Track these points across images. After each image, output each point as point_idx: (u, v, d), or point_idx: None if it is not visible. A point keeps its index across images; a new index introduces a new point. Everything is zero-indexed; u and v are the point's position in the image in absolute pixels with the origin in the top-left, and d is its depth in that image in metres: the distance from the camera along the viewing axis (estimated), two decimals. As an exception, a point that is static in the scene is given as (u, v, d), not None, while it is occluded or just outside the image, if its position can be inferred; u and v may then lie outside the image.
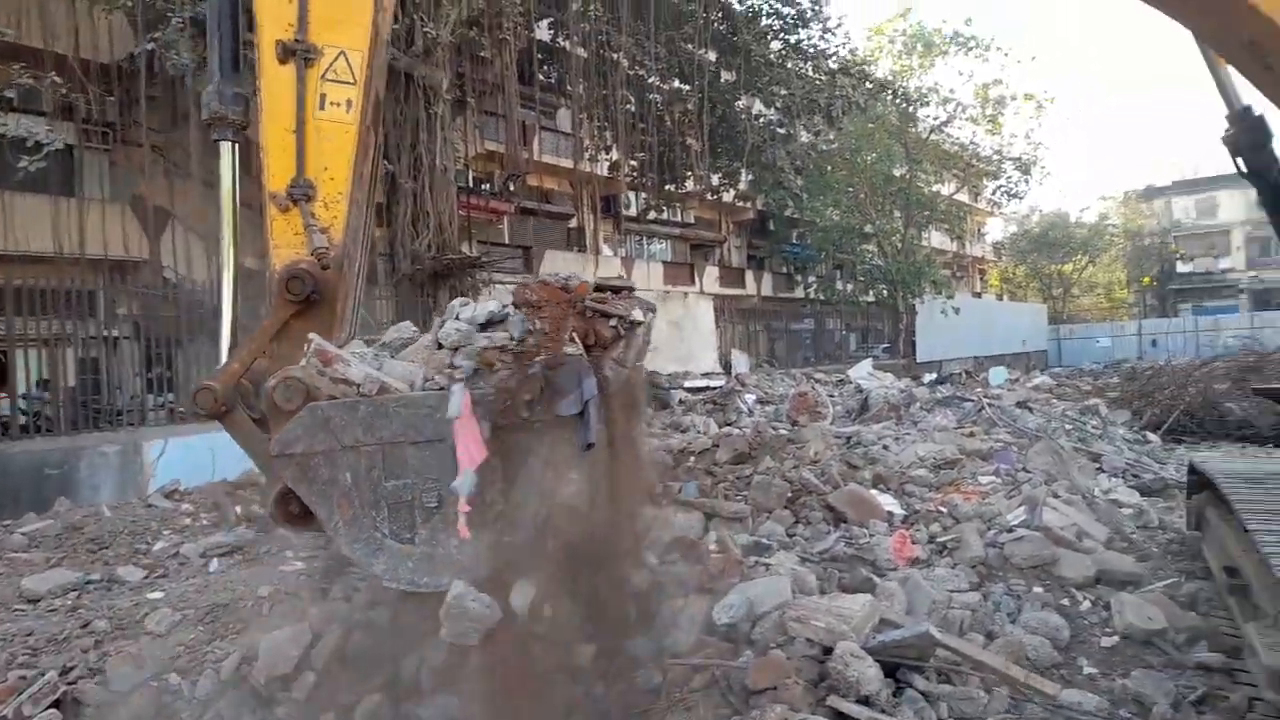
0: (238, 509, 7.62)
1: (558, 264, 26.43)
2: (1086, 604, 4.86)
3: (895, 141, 30.55)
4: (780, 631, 4.00)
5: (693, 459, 7.30)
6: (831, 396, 14.87)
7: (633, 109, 24.31)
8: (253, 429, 3.44)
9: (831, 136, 31.25)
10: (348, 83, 3.57)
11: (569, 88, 22.82)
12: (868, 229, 32.03)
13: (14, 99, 12.74)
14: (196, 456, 10.71)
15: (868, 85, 30.93)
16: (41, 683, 4.19)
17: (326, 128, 3.53)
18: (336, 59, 3.57)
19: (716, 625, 4.20)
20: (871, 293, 32.84)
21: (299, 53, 3.48)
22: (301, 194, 3.45)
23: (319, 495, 3.16)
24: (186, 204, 16.30)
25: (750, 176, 29.15)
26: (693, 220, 34.91)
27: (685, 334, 27.24)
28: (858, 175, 30.80)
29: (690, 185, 28.45)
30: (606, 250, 29.78)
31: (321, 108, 3.53)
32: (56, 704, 4.13)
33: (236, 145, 3.68)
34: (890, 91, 31.95)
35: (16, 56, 12.46)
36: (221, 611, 5.08)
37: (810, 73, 28.31)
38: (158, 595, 5.35)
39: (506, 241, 26.35)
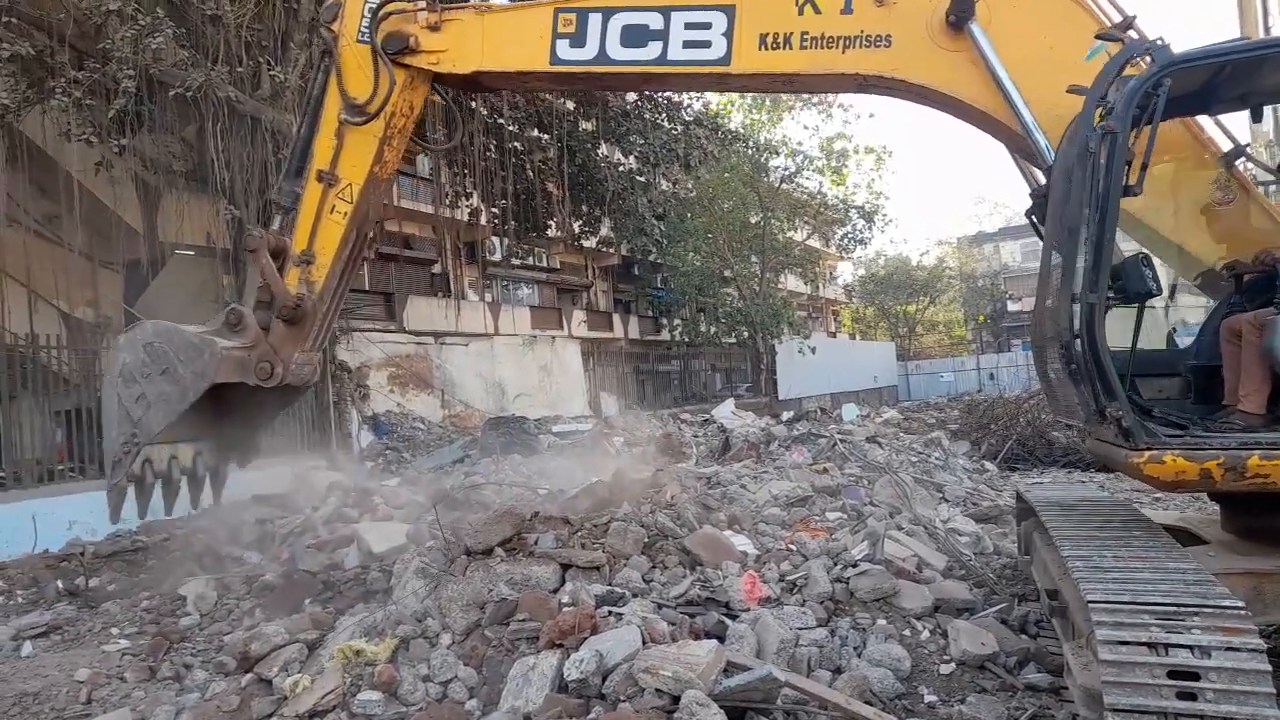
0: (59, 583, 6.99)
1: (421, 309, 25.93)
2: (926, 633, 5.12)
3: (749, 190, 31.87)
4: (631, 684, 4.00)
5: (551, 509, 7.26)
6: (696, 437, 15.16)
7: (493, 156, 24.35)
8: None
9: (690, 185, 32.30)
10: (347, 201, 5.77)
11: (427, 134, 22.61)
12: (727, 273, 33.13)
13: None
14: (15, 525, 9.79)
15: (721, 136, 32.21)
16: None
17: (328, 224, 5.74)
18: (345, 186, 5.75)
19: (567, 681, 4.16)
20: (733, 334, 33.87)
21: (326, 178, 5.71)
22: (305, 259, 5.71)
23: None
24: (7, 250, 15.14)
25: (612, 223, 29.64)
26: (558, 265, 35.09)
27: (554, 378, 27.22)
28: (716, 222, 31.89)
29: (553, 231, 28.62)
30: (472, 295, 29.48)
31: (330, 212, 5.73)
32: None
33: (266, 239, 5.73)
34: (742, 142, 33.39)
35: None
36: (31, 700, 4.62)
37: (666, 123, 29.22)
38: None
39: (367, 288, 25.65)
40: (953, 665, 4.73)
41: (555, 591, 5.33)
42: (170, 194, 18.24)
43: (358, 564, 6.51)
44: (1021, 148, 4.94)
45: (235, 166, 16.75)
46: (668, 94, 28.69)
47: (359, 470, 16.77)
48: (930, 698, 4.42)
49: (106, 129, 13.95)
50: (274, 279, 5.58)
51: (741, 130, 34.38)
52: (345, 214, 5.74)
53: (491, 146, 24.20)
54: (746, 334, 33.23)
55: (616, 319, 36.97)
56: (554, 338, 30.53)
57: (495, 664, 4.60)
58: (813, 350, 31.23)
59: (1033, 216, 4.98)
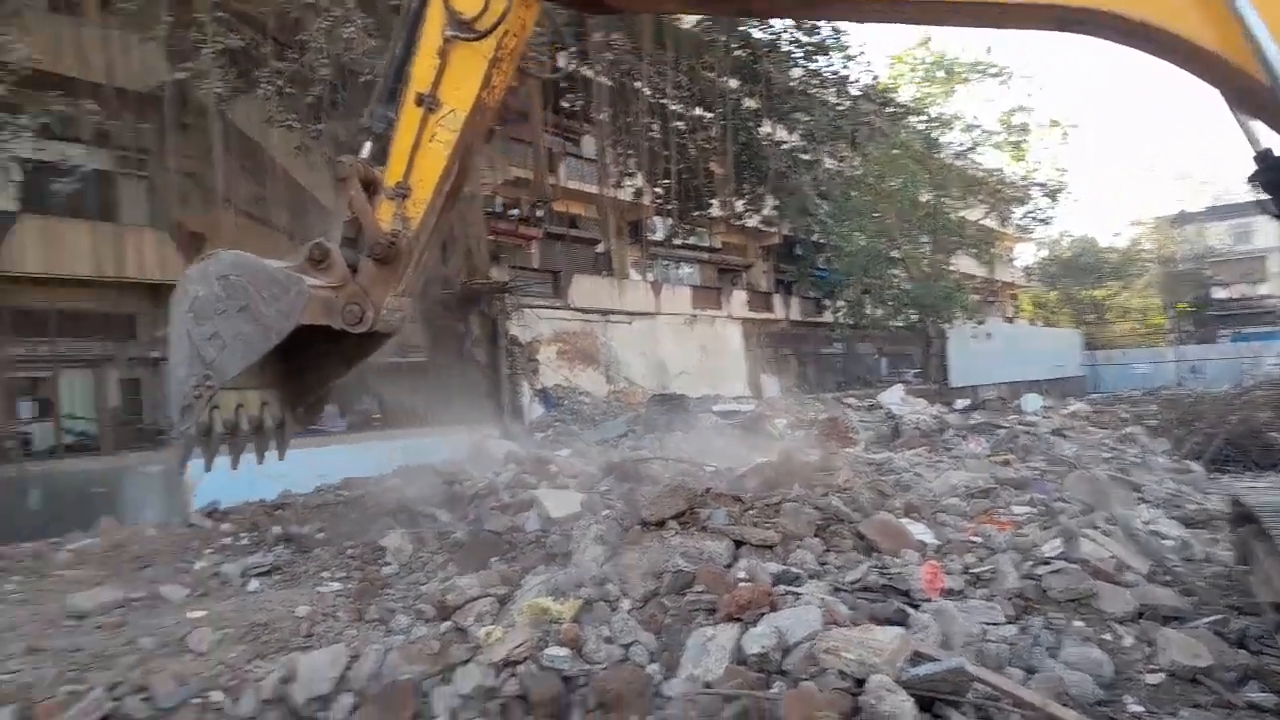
0: (275, 529, 7.73)
1: (586, 287, 26.64)
2: (1129, 639, 4.80)
3: (920, 167, 30.55)
4: (811, 663, 4.00)
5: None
6: (862, 422, 14.82)
7: (656, 135, 24.55)
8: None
9: (856, 162, 31.32)
10: (450, 129, 5.09)
11: (592, 115, 23.12)
12: (895, 254, 31.97)
13: (50, 125, 13.11)
14: (239, 477, 10.89)
15: (890, 111, 30.98)
16: (89, 699, 4.29)
17: (428, 153, 5.07)
18: (449, 113, 5.08)
19: (746, 655, 4.20)
20: (900, 317, 32.69)
21: (427, 102, 5.02)
22: (400, 192, 5.04)
23: None
24: (221, 229, 16.69)
25: (775, 202, 29.25)
26: (719, 245, 35.04)
27: (714, 357, 27.30)
28: (883, 200, 30.80)
29: (715, 210, 28.58)
30: (635, 274, 29.96)
31: (430, 140, 5.07)
32: (105, 718, 4.22)
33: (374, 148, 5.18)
34: (914, 116, 31.99)
35: (52, 85, 12.82)
36: (261, 630, 5.16)
37: (833, 99, 28.42)
38: (200, 614, 5.45)
39: (536, 266, 26.62)
40: (1161, 675, 4.41)
41: (729, 567, 5.38)
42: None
43: (537, 528, 6.82)
44: (1256, 98, 4.04)
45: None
46: (836, 69, 27.94)
47: (530, 441, 17.50)
48: (1136, 707, 4.14)
49: (305, 115, 15.10)
50: (365, 212, 4.96)
51: (912, 104, 32.98)
52: (447, 143, 5.08)
53: (655, 126, 24.43)
54: (915, 317, 32.00)
55: (777, 300, 36.54)
56: (714, 318, 30.58)
57: (674, 632, 4.71)
58: (988, 335, 29.68)
59: (1258, 182, 4.41)
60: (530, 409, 20.95)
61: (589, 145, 26.48)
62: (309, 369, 5.55)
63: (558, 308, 25.13)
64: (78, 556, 7.44)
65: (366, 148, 5.13)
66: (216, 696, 4.49)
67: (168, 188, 15.82)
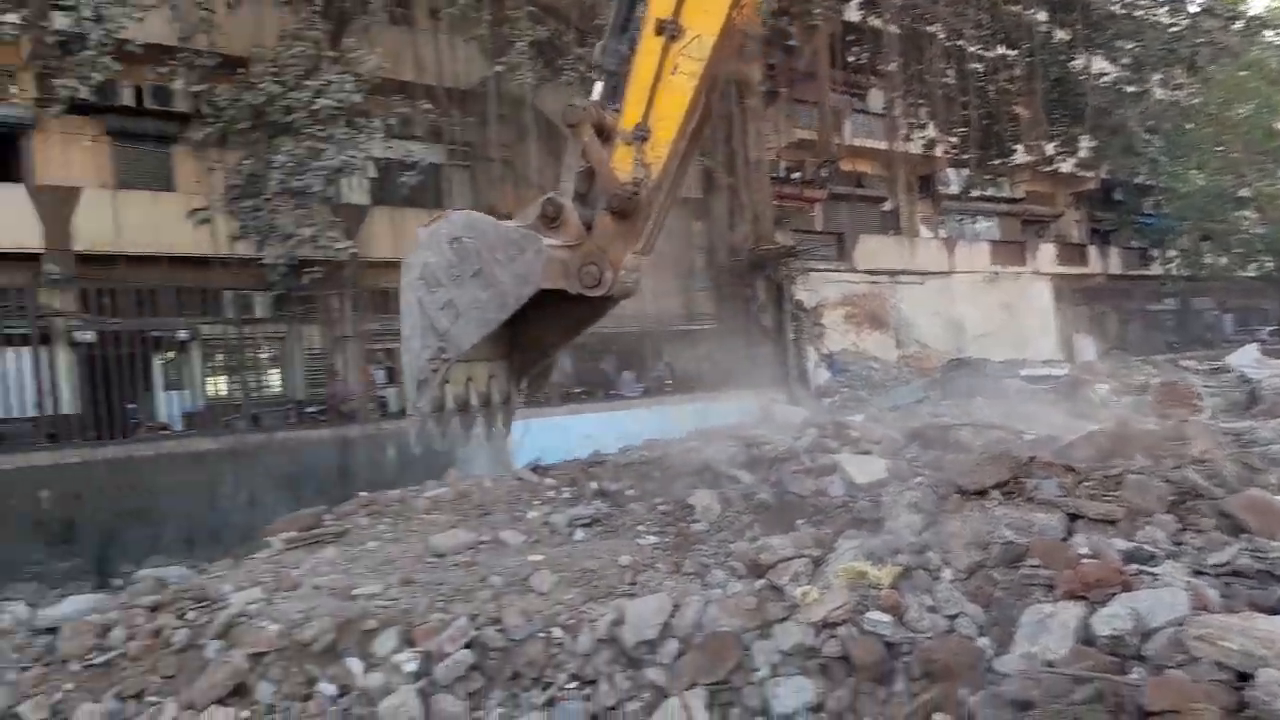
0: (592, 485, 8.34)
1: (872, 248, 25.70)
2: None
3: (1275, 89, 25.75)
4: (1178, 650, 3.57)
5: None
6: (1206, 387, 12.94)
7: (951, 81, 22.91)
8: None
9: (1194, 89, 27.06)
10: (695, 59, 4.56)
11: (880, 67, 22.06)
12: (1244, 193, 27.35)
13: (392, 126, 14.96)
14: (555, 436, 11.95)
15: (1239, 26, 26.31)
16: (456, 627, 4.91)
17: (670, 88, 4.58)
18: (693, 40, 4.55)
19: (1095, 636, 3.85)
20: (1251, 266, 27.99)
21: (669, 30, 4.53)
22: (639, 135, 4.57)
23: None
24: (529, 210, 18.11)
25: (1093, 143, 26.13)
26: (1022, 195, 32.09)
27: (1019, 317, 25.23)
28: (1229, 131, 26.42)
29: (1019, 157, 26.18)
30: (925, 232, 28.40)
31: (673, 73, 4.57)
32: (469, 645, 4.81)
33: (589, 111, 4.73)
34: (1269, 30, 26.95)
35: (394, 90, 14.58)
36: (591, 576, 5.59)
37: (1165, 19, 24.70)
38: (538, 557, 6.01)
39: (819, 229, 26.13)
40: None
41: (1065, 540, 4.95)
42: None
43: (842, 492, 6.73)
44: None
45: (704, 116, 18.05)
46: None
47: (817, 406, 17.33)
48: None
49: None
50: (601, 161, 4.50)
51: (1268, 15, 27.77)
52: (692, 75, 4.51)
53: (950, 72, 22.80)
54: (1270, 265, 27.23)
55: (1093, 251, 32.81)
56: (1018, 274, 28.18)
57: (1005, 606, 4.45)
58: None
59: None
60: (816, 374, 20.72)
61: (876, 99, 25.38)
62: (534, 336, 5.20)
63: (843, 270, 24.50)
64: (433, 503, 8.53)
65: (598, 88, 4.71)
66: (558, 633, 4.94)
67: (487, 176, 17.49)
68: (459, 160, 17.86)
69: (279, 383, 15.11)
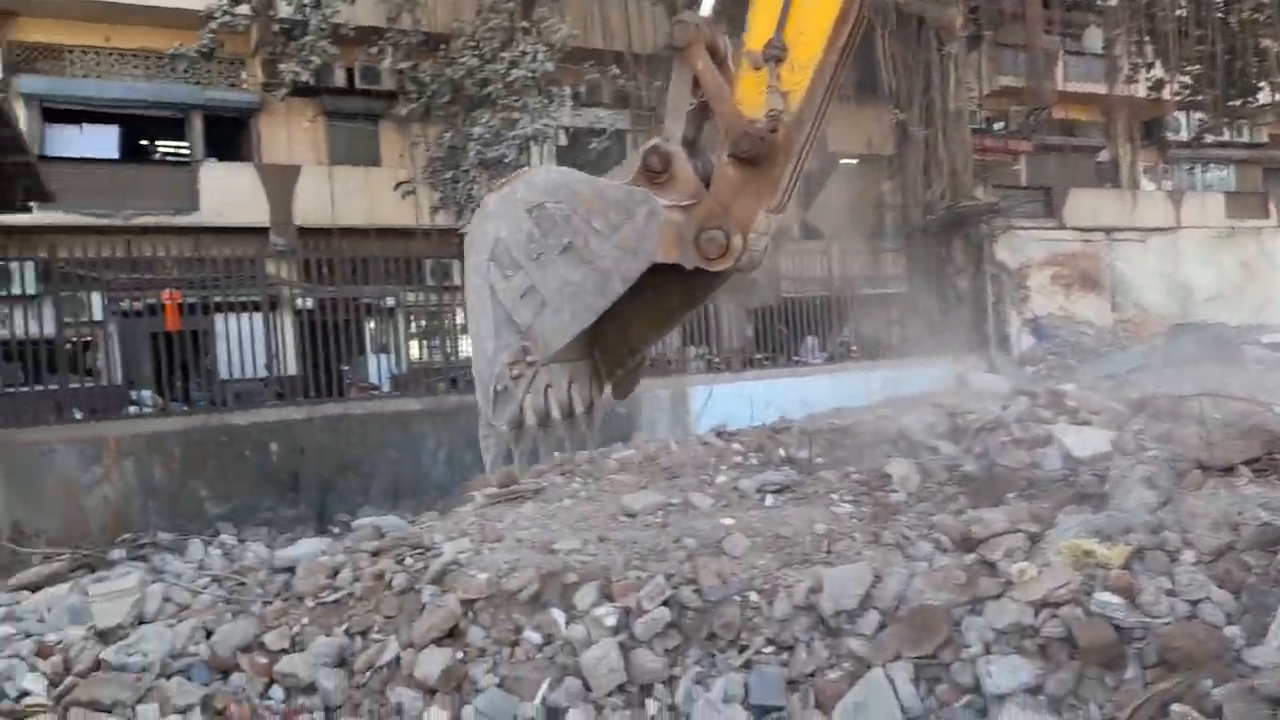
0: (780, 451, 8.21)
1: (1084, 203, 23.61)
2: None
3: None
4: None
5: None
6: None
7: (1183, 13, 20.45)
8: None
9: None
10: None
11: (1099, 2, 20.02)
12: None
13: (582, 94, 15.19)
14: (737, 403, 11.90)
15: None
16: (653, 585, 4.96)
17: None
18: None
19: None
20: None
21: None
22: (774, 54, 3.46)
23: None
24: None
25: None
26: (1264, 140, 28.31)
27: (1260, 278, 22.42)
28: None
29: (1264, 97, 23.05)
30: (1147, 184, 25.74)
31: None
32: (665, 603, 4.85)
33: (701, 31, 3.62)
34: None
35: (584, 58, 14.78)
36: (785, 543, 5.49)
37: None
38: (729, 521, 5.98)
39: (1024, 184, 24.28)
40: None
41: (1336, 526, 4.32)
42: (838, 104, 19.60)
43: (1059, 466, 6.24)
44: None
45: (900, 68, 17.13)
46: None
47: (1019, 375, 16.25)
48: None
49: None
50: (720, 92, 3.45)
51: None
52: None
53: (1182, 3, 20.37)
54: None
55: (1352, 202, 28.53)
56: (1259, 229, 25.01)
57: (1258, 593, 3.99)
58: None
59: None
60: (1019, 340, 19.41)
61: (1094, 38, 23.09)
62: (620, 327, 3.94)
63: (1050, 228, 22.67)
64: (621, 465, 8.71)
65: (709, 2, 3.61)
66: (754, 597, 4.89)
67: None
68: (644, 126, 17.98)
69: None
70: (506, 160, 11.90)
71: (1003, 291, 18.75)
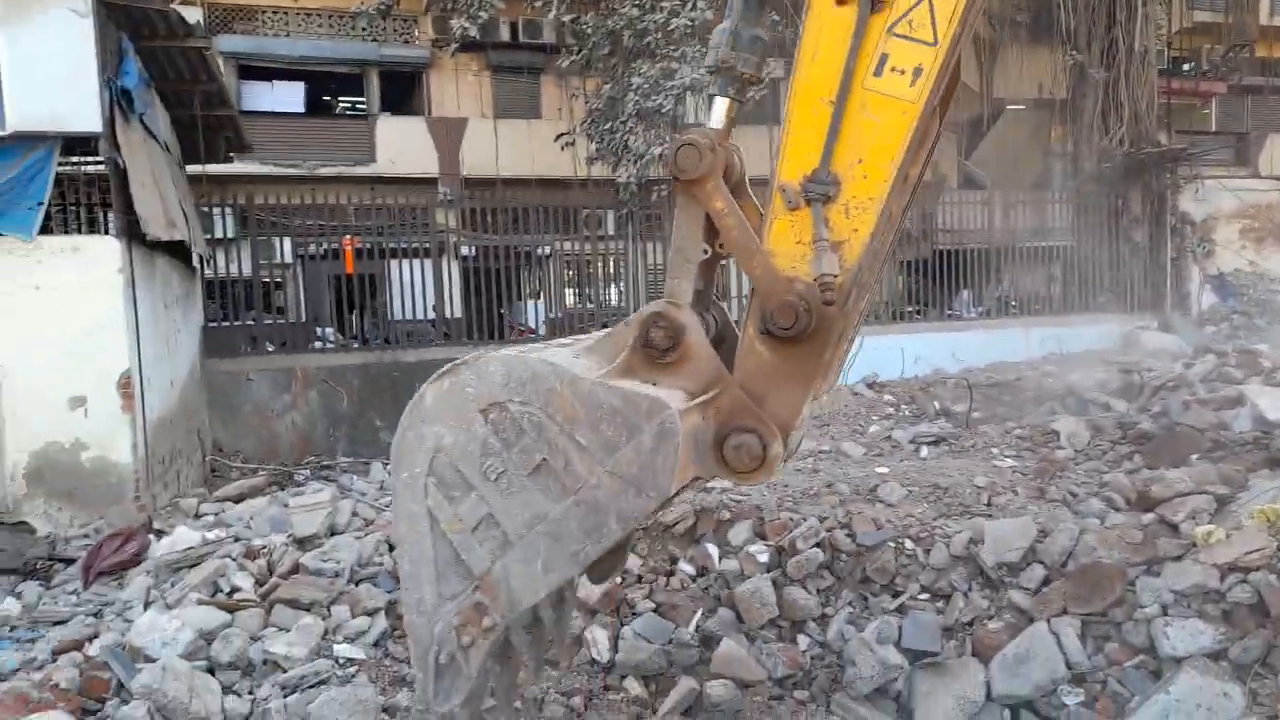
0: (934, 404, 8.05)
1: (1287, 150, 21.27)
2: None
3: None
4: None
5: None
6: None
7: None
8: None
9: None
10: (924, 43, 2.42)
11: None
12: None
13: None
14: (887, 355, 11.67)
15: None
16: (807, 525, 5.05)
17: (876, 104, 2.46)
18: (916, 6, 2.42)
19: None
20: None
21: None
22: (820, 193, 2.46)
23: None
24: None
25: None
26: None
27: None
28: None
29: None
30: (1365, 127, 22.89)
31: (877, 73, 2.45)
32: (818, 545, 4.93)
33: (736, 106, 2.66)
34: None
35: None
36: (942, 493, 5.43)
37: None
38: (884, 470, 5.97)
39: (1214, 129, 22.09)
40: None
41: None
42: (1009, 47, 18.38)
43: (1250, 428, 5.83)
44: None
45: (1078, 5, 15.90)
46: None
47: (1198, 334, 15.08)
48: None
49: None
50: (748, 244, 2.53)
51: None
52: (919, 75, 2.41)
53: None
54: None
55: None
56: None
57: None
58: None
59: None
60: (1199, 298, 17.91)
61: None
62: None
63: (1243, 176, 20.57)
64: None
65: (720, 109, 2.62)
66: (909, 544, 4.89)
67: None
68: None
69: (620, 296, 16.27)
70: (664, 110, 11.94)
71: (1184, 245, 17.26)
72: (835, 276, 2.39)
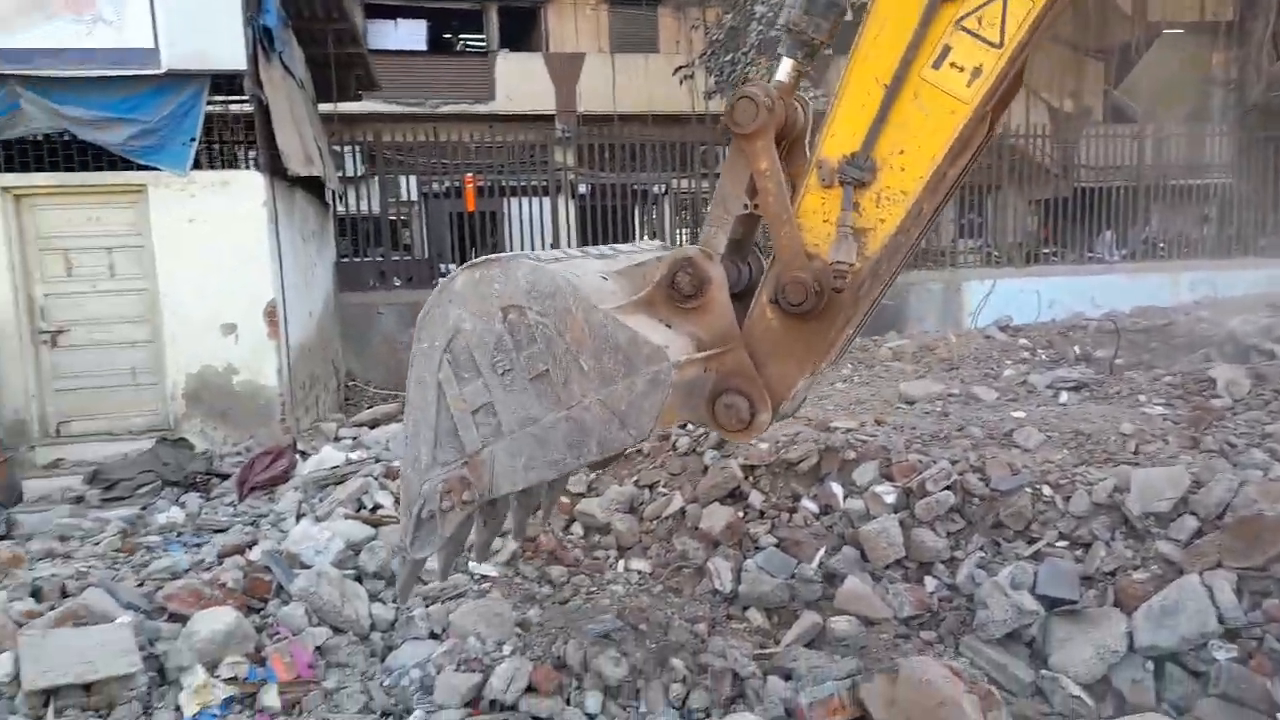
0: (1074, 349, 7.66)
1: None
2: None
3: None
4: None
5: None
6: None
7: None
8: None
9: None
10: (990, 43, 2.39)
11: None
12: None
13: None
14: (1022, 298, 11.15)
15: None
16: (937, 468, 4.91)
17: (929, 96, 2.44)
18: (990, 2, 2.37)
19: None
20: None
21: None
22: (855, 177, 2.47)
23: None
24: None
25: None
26: None
27: None
28: None
29: None
30: None
31: (936, 65, 2.43)
32: (948, 488, 4.79)
33: (802, 75, 2.68)
34: None
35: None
36: (1084, 440, 5.18)
37: None
38: (1020, 415, 5.72)
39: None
40: None
41: None
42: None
43: None
44: None
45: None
46: None
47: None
48: None
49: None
50: (781, 209, 2.57)
51: None
52: (977, 75, 2.41)
53: None
54: None
55: None
56: None
57: None
58: None
59: None
60: (1376, 242, 16.30)
61: None
62: None
63: None
64: (894, 353, 8.54)
65: (784, 67, 2.65)
66: (1046, 491, 4.70)
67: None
68: None
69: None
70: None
71: (1362, 183, 15.70)
72: (851, 265, 2.48)
